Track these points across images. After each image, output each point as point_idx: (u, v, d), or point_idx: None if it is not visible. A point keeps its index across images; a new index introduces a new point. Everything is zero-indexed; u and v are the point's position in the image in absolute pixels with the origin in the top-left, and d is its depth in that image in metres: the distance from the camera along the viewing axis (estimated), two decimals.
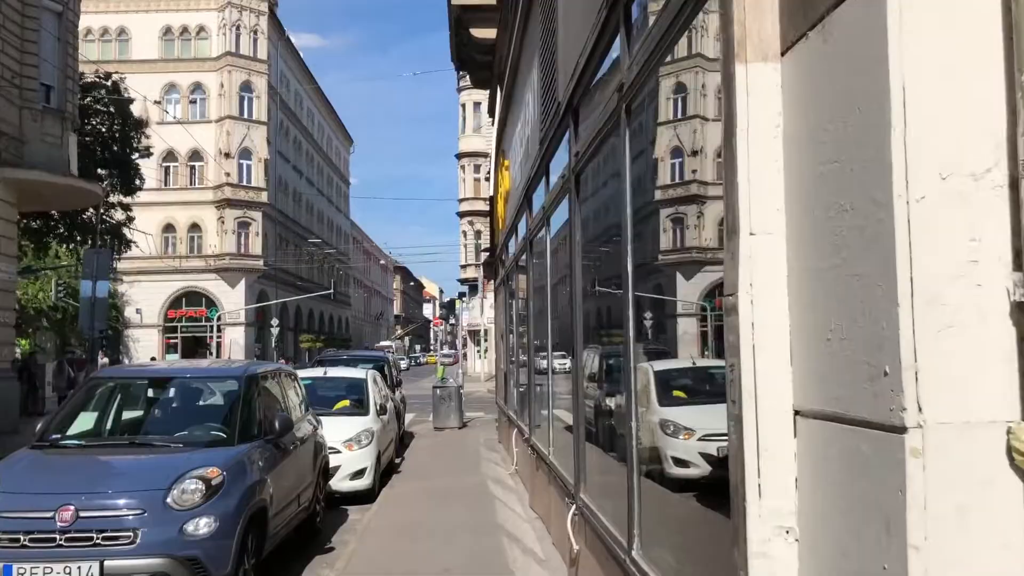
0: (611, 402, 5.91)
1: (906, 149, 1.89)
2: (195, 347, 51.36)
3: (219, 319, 50.02)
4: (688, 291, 4.29)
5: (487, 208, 28.75)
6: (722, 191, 2.73)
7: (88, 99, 29.03)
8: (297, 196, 66.55)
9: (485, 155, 42.63)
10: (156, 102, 41.34)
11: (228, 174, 52.80)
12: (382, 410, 13.08)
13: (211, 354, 48.21)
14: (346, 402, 13.07)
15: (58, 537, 5.90)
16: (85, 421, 8.00)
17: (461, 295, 55.56)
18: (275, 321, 54.67)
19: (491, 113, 21.08)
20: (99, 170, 29.69)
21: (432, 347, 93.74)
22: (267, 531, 7.11)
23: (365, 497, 11.16)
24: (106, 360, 35.88)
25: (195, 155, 52.65)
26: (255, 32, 54.99)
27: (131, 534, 5.98)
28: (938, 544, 1.83)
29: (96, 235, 29.51)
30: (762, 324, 2.46)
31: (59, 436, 7.55)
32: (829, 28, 2.21)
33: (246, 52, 54.38)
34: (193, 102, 54.23)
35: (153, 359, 42.13)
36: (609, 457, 5.84)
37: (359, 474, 11.34)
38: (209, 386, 8.69)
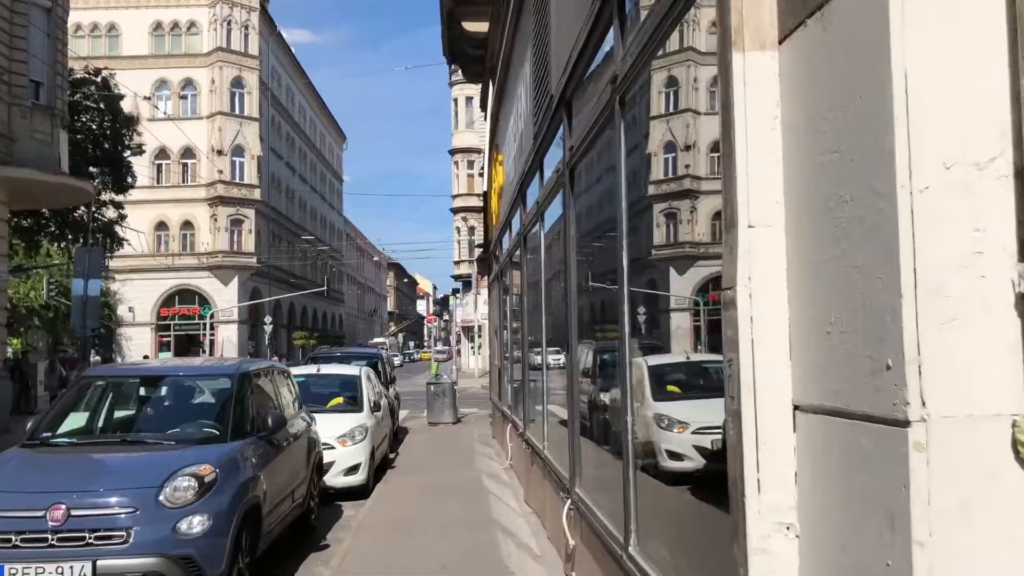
0: (606, 397, 5.89)
1: (909, 138, 1.85)
2: (188, 345, 51.21)
3: (212, 317, 49.96)
4: (681, 286, 4.28)
5: (481, 204, 28.69)
6: (716, 185, 2.70)
7: (78, 95, 28.89)
8: (290, 193, 66.41)
9: (478, 151, 42.61)
10: (146, 98, 41.20)
11: (221, 171, 52.64)
12: (376, 406, 13.04)
13: (204, 352, 48.12)
14: (340, 399, 13.03)
15: (50, 537, 5.83)
16: (76, 419, 7.94)
17: (455, 291, 55.50)
18: (268, 318, 54.56)
19: (483, 108, 21.01)
20: (90, 168, 29.57)
21: (426, 343, 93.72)
22: (261, 529, 7.07)
23: (359, 493, 11.13)
24: (98, 358, 35.73)
25: (187, 152, 52.49)
26: (246, 28, 54.81)
27: (124, 533, 5.92)
28: (942, 539, 1.80)
29: (88, 233, 29.39)
30: (761, 318, 2.43)
31: (50, 434, 7.48)
32: (828, 16, 2.17)
33: (237, 48, 54.20)
34: (184, 98, 54.05)
35: (146, 357, 42.09)
36: (604, 452, 5.81)
37: (353, 470, 11.31)
38: (202, 384, 8.64)
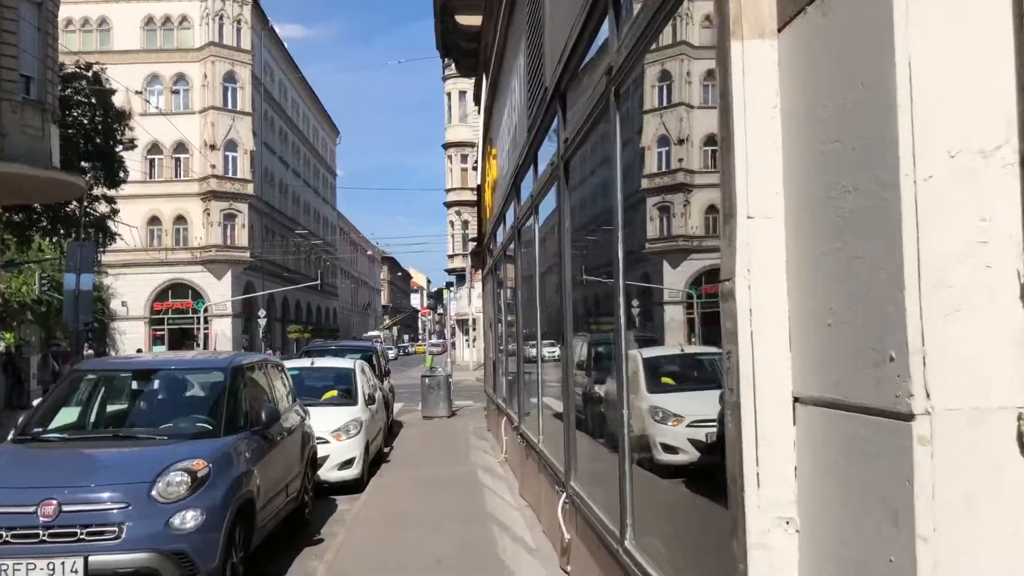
0: (601, 390, 5.87)
1: (913, 126, 1.81)
2: (182, 339, 51.06)
3: (206, 311, 49.77)
4: (674, 279, 4.31)
5: (474, 198, 28.66)
6: (709, 179, 2.68)
7: (69, 90, 28.73)
8: (283, 187, 66.23)
9: (472, 145, 42.49)
10: (137, 92, 40.89)
11: (214, 166, 52.44)
12: (370, 400, 13.00)
13: (199, 346, 47.98)
14: (334, 392, 12.97)
15: (41, 533, 5.78)
16: (68, 414, 7.88)
17: (449, 285, 55.42)
18: (262, 312, 54.43)
19: (477, 101, 20.96)
20: (82, 163, 29.42)
21: (420, 337, 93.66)
22: (255, 523, 7.02)
23: (354, 487, 11.10)
24: (91, 352, 35.61)
25: (180, 147, 52.25)
26: (238, 22, 54.51)
27: (116, 528, 5.87)
28: (947, 534, 1.77)
29: (80, 228, 29.23)
30: (760, 310, 2.39)
31: (41, 429, 7.43)
32: (829, 2, 2.13)
33: (229, 42, 53.90)
34: (176, 92, 53.75)
35: (139, 351, 41.87)
36: (599, 445, 5.79)
37: (348, 464, 11.28)
38: (194, 378, 8.58)
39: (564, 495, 6.45)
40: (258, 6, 57.80)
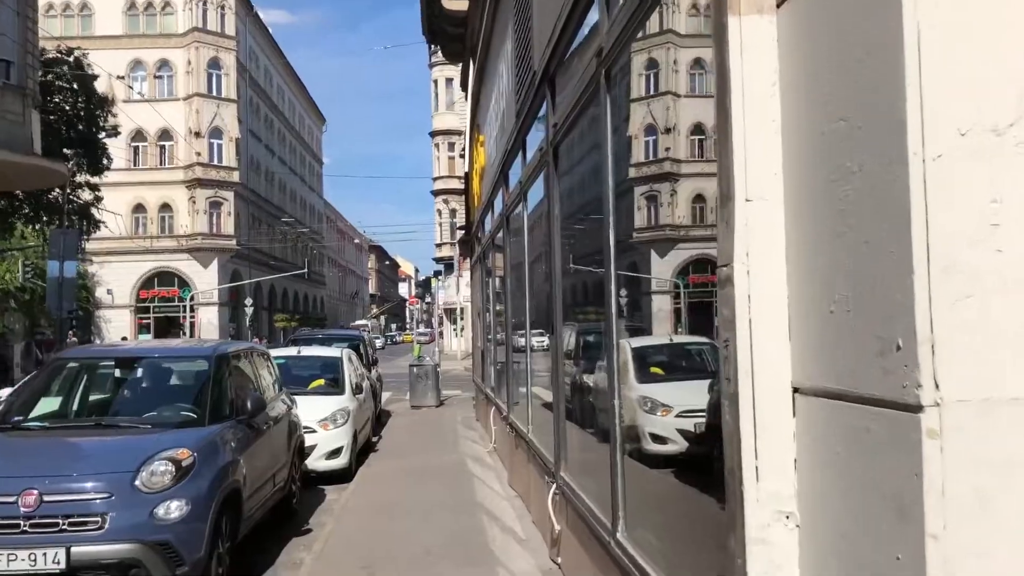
0: (591, 380, 5.81)
1: (922, 103, 1.72)
2: (168, 327, 50.79)
3: (192, 299, 49.50)
4: (662, 268, 4.28)
5: (462, 186, 28.50)
6: (696, 168, 2.60)
7: (50, 76, 28.40)
8: (269, 175, 65.81)
9: (459, 133, 42.31)
10: (120, 77, 40.43)
11: (199, 153, 52.03)
12: (358, 389, 12.91)
13: (185, 334, 47.74)
14: (321, 381, 12.88)
15: (22, 523, 5.68)
16: (50, 403, 7.75)
17: (437, 274, 55.29)
18: (249, 301, 54.17)
19: (464, 87, 20.80)
20: (65, 150, 29.11)
21: (408, 326, 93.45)
22: (241, 513, 6.94)
23: (342, 477, 11.03)
24: (75, 340, 35.35)
25: (164, 134, 51.80)
26: (222, 8, 54.00)
27: (99, 519, 5.77)
28: (957, 532, 1.69)
29: (63, 215, 28.95)
30: (759, 296, 2.31)
31: (22, 418, 7.30)
32: None
33: (213, 28, 53.41)
34: (160, 79, 53.25)
35: (124, 339, 41.62)
36: (589, 435, 5.72)
37: (335, 453, 11.20)
38: (179, 366, 8.45)
39: (554, 486, 6.38)
40: None
